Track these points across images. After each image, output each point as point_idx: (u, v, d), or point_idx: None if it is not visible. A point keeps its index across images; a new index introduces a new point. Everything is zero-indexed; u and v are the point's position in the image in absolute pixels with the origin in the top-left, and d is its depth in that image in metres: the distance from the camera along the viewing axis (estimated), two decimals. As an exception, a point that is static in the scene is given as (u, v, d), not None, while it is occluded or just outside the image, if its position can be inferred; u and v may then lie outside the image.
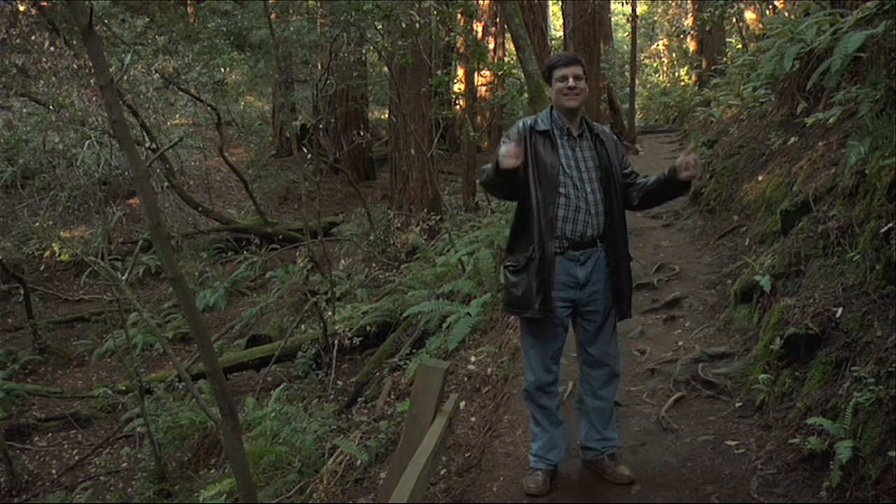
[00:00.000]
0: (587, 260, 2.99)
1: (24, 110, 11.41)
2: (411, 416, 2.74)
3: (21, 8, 8.95)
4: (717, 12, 11.09)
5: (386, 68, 12.81)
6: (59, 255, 11.09)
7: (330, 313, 7.97)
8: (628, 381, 4.15)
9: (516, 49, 7.44)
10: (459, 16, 11.19)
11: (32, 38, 9.00)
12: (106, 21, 11.53)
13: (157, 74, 11.92)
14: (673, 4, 22.48)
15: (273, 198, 15.82)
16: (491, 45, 15.50)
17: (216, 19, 13.34)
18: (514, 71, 10.96)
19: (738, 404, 3.68)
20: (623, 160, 3.10)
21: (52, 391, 9.00)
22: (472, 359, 5.30)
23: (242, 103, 18.73)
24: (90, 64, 6.07)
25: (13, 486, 7.16)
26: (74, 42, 9.74)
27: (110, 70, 3.76)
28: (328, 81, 9.55)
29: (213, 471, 6.16)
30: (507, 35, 12.92)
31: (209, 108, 13.88)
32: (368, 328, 7.67)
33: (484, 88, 14.11)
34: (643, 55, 22.92)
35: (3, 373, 8.95)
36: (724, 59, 15.86)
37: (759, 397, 3.57)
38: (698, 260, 6.15)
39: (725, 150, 7.61)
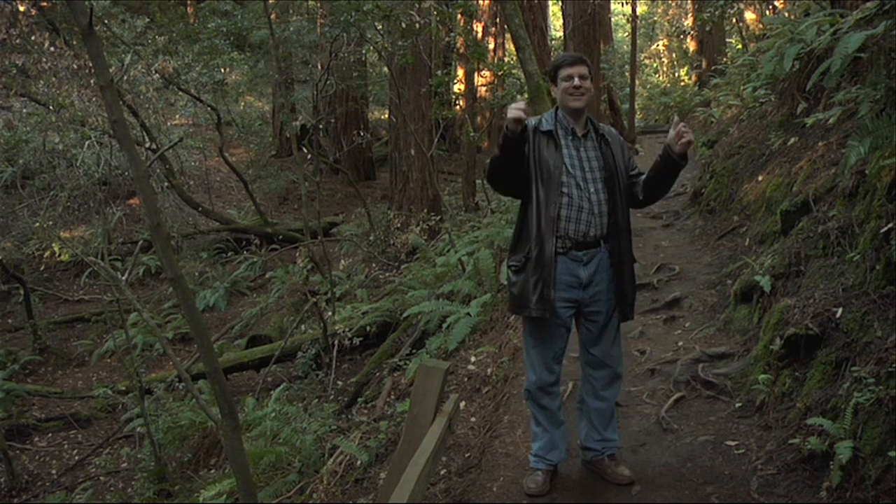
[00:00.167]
0: (590, 260, 2.99)
1: (24, 110, 11.41)
2: (411, 417, 2.74)
3: (21, 8, 8.96)
4: (717, 12, 11.09)
5: (386, 68, 12.81)
6: (59, 255, 11.10)
7: (330, 313, 7.97)
8: (628, 382, 4.14)
9: (516, 49, 7.44)
10: (459, 16, 11.19)
11: (32, 38, 9.00)
12: (106, 21, 11.53)
13: (157, 74, 11.92)
14: (673, 4, 22.47)
15: (273, 198, 15.83)
16: (491, 45, 15.50)
17: (216, 19, 13.34)
18: (514, 71, 10.95)
19: (738, 404, 3.68)
20: (629, 162, 3.10)
21: (52, 391, 9.00)
22: (472, 359, 5.30)
23: (242, 103, 18.73)
24: (90, 64, 6.07)
25: (13, 486, 7.16)
26: (74, 42, 9.74)
27: (110, 70, 3.76)
28: (328, 81, 9.55)
29: (213, 471, 6.17)
30: (507, 35, 12.91)
31: (209, 109, 13.88)
32: (368, 328, 7.67)
33: (484, 88, 14.11)
34: (643, 55, 22.92)
35: (3, 373, 8.95)
36: (724, 59, 15.86)
37: (759, 397, 3.57)
38: (698, 260, 6.15)
39: (725, 150, 7.61)
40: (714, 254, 6.13)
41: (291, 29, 11.77)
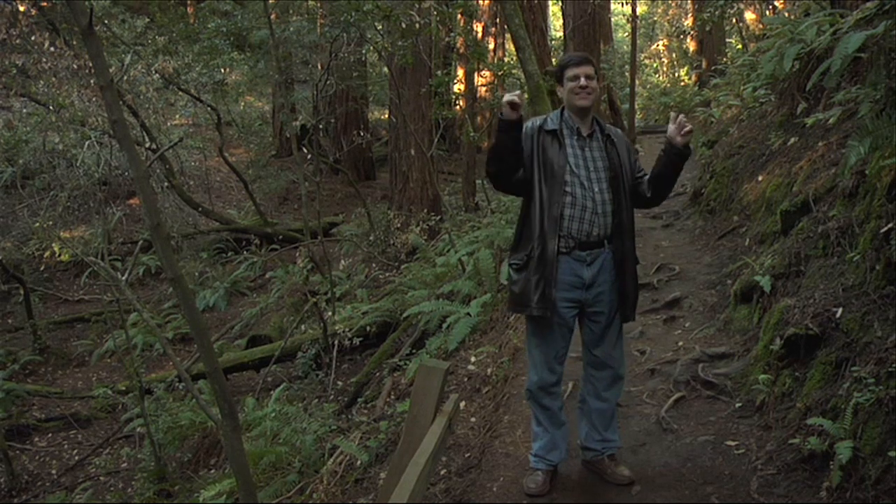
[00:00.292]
0: (594, 261, 2.99)
1: (24, 110, 11.42)
2: (411, 417, 2.73)
3: (21, 8, 8.96)
4: (717, 12, 11.08)
5: (386, 68, 12.82)
6: (59, 255, 11.10)
7: (330, 313, 7.97)
8: (628, 382, 4.14)
9: (516, 49, 7.44)
10: (459, 16, 11.19)
11: (32, 38, 9.01)
12: (106, 21, 11.54)
13: (157, 75, 11.92)
14: (673, 4, 22.47)
15: (273, 198, 15.82)
16: (491, 46, 15.50)
17: (216, 20, 13.35)
18: (514, 71, 10.95)
19: (738, 404, 3.68)
20: (635, 164, 3.10)
21: (52, 391, 9.00)
22: (472, 359, 5.30)
23: (242, 103, 18.73)
24: (90, 64, 6.07)
25: (13, 486, 7.16)
26: (74, 42, 9.74)
27: (110, 70, 3.76)
28: (328, 82, 9.55)
29: (213, 471, 6.17)
30: (507, 35, 12.91)
31: (209, 109, 13.88)
32: (368, 328, 7.67)
33: (484, 89, 14.11)
34: (643, 55, 22.91)
35: (3, 373, 8.95)
36: (724, 59, 15.85)
37: (759, 397, 3.57)
38: (698, 260, 6.15)
39: (725, 150, 7.61)
40: (714, 254, 6.13)
41: (291, 29, 11.77)
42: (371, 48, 10.17)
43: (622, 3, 14.98)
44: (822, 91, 5.58)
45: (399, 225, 10.86)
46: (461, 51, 13.02)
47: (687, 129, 2.92)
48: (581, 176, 2.95)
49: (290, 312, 9.75)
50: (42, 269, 11.61)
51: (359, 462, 4.50)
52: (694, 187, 7.92)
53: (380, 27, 9.12)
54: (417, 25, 8.35)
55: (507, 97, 2.81)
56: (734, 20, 15.07)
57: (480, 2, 14.25)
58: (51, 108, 9.94)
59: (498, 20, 14.97)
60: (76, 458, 7.71)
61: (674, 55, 22.46)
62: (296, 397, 6.87)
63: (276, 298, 10.59)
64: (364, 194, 12.74)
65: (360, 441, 4.74)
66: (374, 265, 10.77)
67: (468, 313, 6.07)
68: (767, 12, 12.33)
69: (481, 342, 5.68)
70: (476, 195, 12.11)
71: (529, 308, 2.97)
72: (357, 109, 15.89)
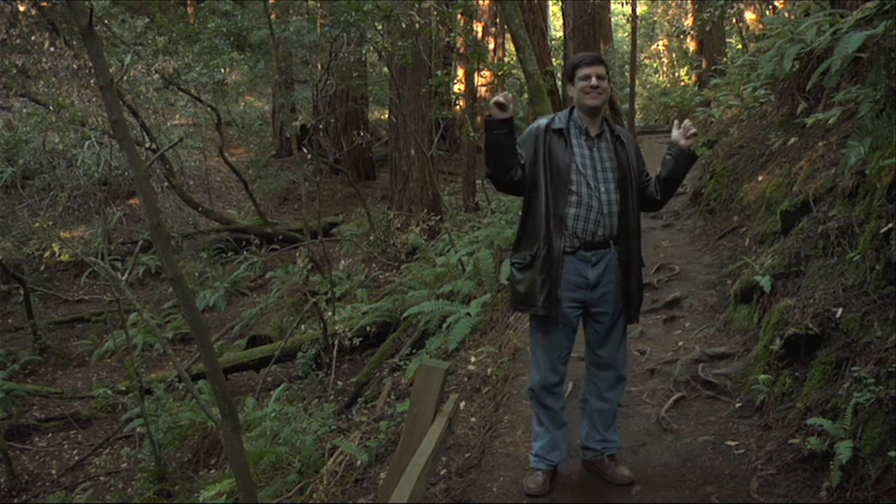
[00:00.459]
0: (599, 261, 2.98)
1: (24, 110, 11.41)
2: (411, 417, 2.73)
3: (21, 8, 8.96)
4: (717, 12, 11.08)
5: (386, 68, 12.82)
6: (59, 255, 11.09)
7: (330, 314, 7.97)
8: (628, 382, 4.13)
9: (516, 49, 7.44)
10: (459, 16, 11.19)
11: (32, 38, 9.01)
12: (106, 21, 11.54)
13: (157, 75, 11.92)
14: (673, 4, 22.47)
15: (273, 198, 15.82)
16: (491, 46, 15.51)
17: (216, 20, 13.35)
18: (514, 71, 10.95)
19: (738, 405, 3.68)
20: (643, 166, 3.11)
21: (52, 391, 9.00)
22: (472, 359, 5.30)
23: (242, 104, 18.72)
24: (90, 64, 6.07)
25: (13, 486, 7.16)
26: (74, 42, 9.75)
27: (110, 70, 3.76)
28: (328, 82, 9.55)
29: (213, 471, 6.17)
30: (507, 35, 12.91)
31: (209, 109, 13.88)
32: (368, 328, 7.67)
33: (484, 89, 14.10)
34: (643, 55, 22.91)
35: (3, 373, 8.95)
36: (724, 59, 15.85)
37: (759, 397, 3.57)
38: (698, 260, 6.14)
39: (725, 150, 7.61)
40: (714, 254, 6.13)
41: (291, 29, 11.77)
42: (371, 48, 10.17)
43: (622, 3, 14.97)
44: (822, 91, 5.58)
45: (399, 225, 10.86)
46: (461, 51, 13.02)
47: (691, 132, 2.98)
48: (587, 175, 2.94)
49: (290, 312, 9.75)
50: (42, 269, 11.61)
51: (359, 462, 4.50)
52: (694, 187, 7.92)
53: (380, 27, 9.12)
54: (417, 25, 8.35)
55: (494, 98, 2.87)
56: (734, 20, 15.07)
57: (480, 2, 14.25)
58: (51, 108, 9.94)
59: (498, 20, 14.97)
60: (76, 458, 7.71)
61: (674, 55, 22.46)
62: (296, 397, 6.87)
63: (276, 298, 10.59)
64: (364, 194, 12.74)
65: (360, 441, 4.74)
66: (374, 265, 10.77)
67: (468, 313, 6.08)
68: (767, 12, 12.33)
69: (481, 342, 5.68)
70: (476, 195, 12.11)
71: (535, 308, 2.97)
72: (357, 109, 15.89)
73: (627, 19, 16.18)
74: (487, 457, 3.66)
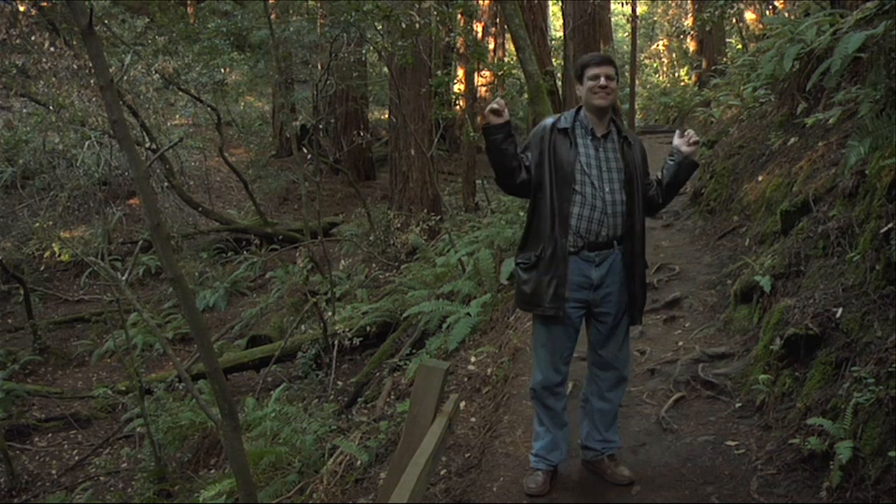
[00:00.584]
0: (602, 262, 2.98)
1: (24, 110, 11.42)
2: (411, 417, 2.74)
3: (21, 8, 8.97)
4: (717, 12, 11.08)
5: (386, 68, 12.82)
6: (59, 255, 11.10)
7: (330, 313, 7.97)
8: (628, 382, 4.14)
9: (516, 49, 7.44)
10: (459, 16, 11.19)
11: (32, 38, 9.01)
12: (106, 21, 11.54)
13: (157, 75, 11.93)
14: (673, 4, 22.47)
15: (273, 198, 15.83)
16: (491, 46, 15.51)
17: (216, 20, 13.35)
18: (514, 71, 10.95)
19: (738, 405, 3.68)
20: (646, 170, 3.12)
21: (52, 391, 9.00)
22: (472, 359, 5.30)
23: (242, 103, 18.73)
24: (90, 64, 6.07)
25: (13, 486, 7.16)
26: (74, 42, 9.75)
27: (110, 70, 3.76)
28: (328, 82, 9.55)
29: (213, 471, 6.17)
30: (507, 35, 12.91)
31: (209, 109, 13.88)
32: (368, 328, 7.67)
33: (484, 89, 14.10)
34: (643, 55, 22.91)
35: (3, 373, 8.95)
36: (724, 59, 15.84)
37: (759, 397, 3.57)
38: (698, 260, 6.14)
39: (725, 150, 7.61)
40: (714, 254, 6.12)
41: (291, 29, 11.77)
42: (371, 48, 10.17)
43: (622, 3, 14.99)
44: (822, 91, 5.58)
45: (399, 225, 10.87)
46: (461, 51, 13.02)
47: (694, 139, 3.01)
48: (592, 175, 2.94)
49: (290, 312, 9.75)
50: (42, 269, 11.61)
51: (359, 462, 4.50)
52: (694, 187, 7.92)
53: (380, 27, 9.12)
54: (417, 25, 8.35)
55: (489, 106, 2.89)
56: (734, 20, 15.07)
57: (480, 2, 14.25)
58: (51, 108, 9.94)
59: (498, 20, 14.97)
60: (76, 458, 7.71)
61: (674, 55, 22.45)
62: (296, 397, 6.87)
63: (276, 298, 10.59)
64: (364, 194, 12.75)
65: (360, 441, 4.74)
66: (374, 265, 10.78)
67: (468, 313, 6.08)
68: (767, 12, 12.33)
69: (481, 342, 5.68)
70: (476, 195, 12.11)
71: (542, 307, 2.97)
72: (357, 109, 15.89)
73: (627, 19, 16.20)
74: (487, 457, 3.66)
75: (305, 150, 9.59)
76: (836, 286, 3.55)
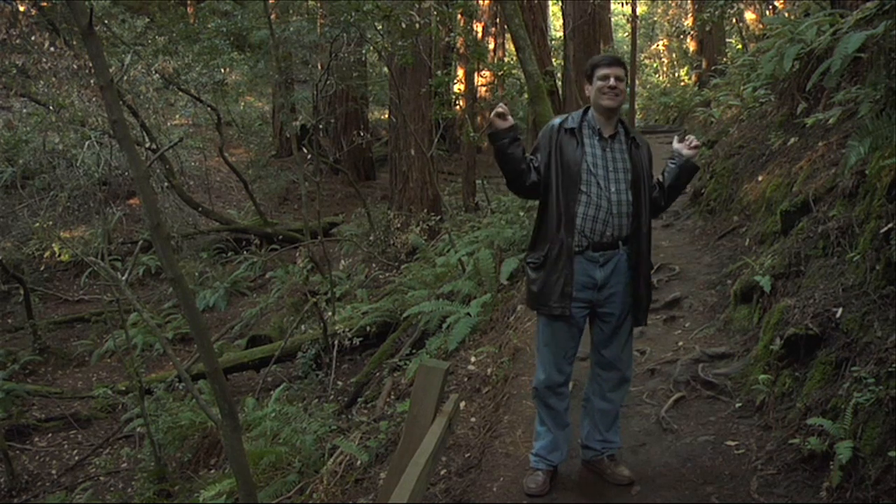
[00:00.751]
0: (607, 262, 2.98)
1: (24, 110, 11.42)
2: (411, 417, 2.74)
3: (21, 8, 8.96)
4: (717, 12, 11.08)
5: (386, 68, 12.82)
6: (59, 255, 11.09)
7: (330, 314, 7.97)
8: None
9: (516, 49, 7.44)
10: (459, 16, 11.20)
11: (32, 38, 9.01)
12: (106, 21, 11.54)
13: (157, 75, 11.93)
14: (673, 4, 22.48)
15: (273, 198, 15.83)
16: (491, 46, 15.52)
17: (216, 20, 13.35)
18: (514, 71, 10.95)
19: (738, 405, 3.68)
20: (652, 171, 3.13)
21: (52, 391, 9.00)
22: (472, 359, 5.30)
23: (242, 104, 18.74)
24: (90, 64, 6.07)
25: (13, 486, 7.16)
26: (74, 42, 9.75)
27: (110, 70, 3.76)
28: (328, 82, 9.55)
29: (213, 471, 6.17)
30: (507, 35, 12.91)
31: (209, 109, 13.89)
32: (368, 328, 7.67)
33: (484, 89, 14.11)
34: (643, 55, 22.92)
35: (3, 373, 8.95)
36: (724, 59, 15.85)
37: (759, 398, 3.57)
38: (698, 260, 6.14)
39: (725, 150, 7.61)
40: (714, 254, 6.12)
41: (291, 29, 11.76)
42: (371, 48, 10.17)
43: (622, 3, 14.99)
44: (822, 91, 5.58)
45: (399, 225, 10.87)
46: (461, 51, 13.02)
47: (694, 143, 3.06)
48: (598, 175, 2.94)
49: (290, 312, 9.76)
50: (42, 269, 11.61)
51: (359, 462, 4.50)
52: (694, 187, 7.92)
53: (380, 27, 9.12)
54: (417, 25, 8.35)
55: (494, 111, 2.92)
56: (734, 20, 15.07)
57: (480, 2, 14.26)
58: (51, 108, 9.94)
59: (498, 20, 14.98)
60: (76, 458, 7.71)
61: (674, 55, 22.47)
62: (296, 397, 6.88)
63: (276, 298, 10.59)
64: (364, 194, 12.75)
65: (360, 441, 4.74)
66: (374, 265, 10.78)
67: (468, 313, 6.08)
68: (767, 12, 12.33)
69: (481, 342, 5.68)
70: (476, 195, 12.12)
71: (548, 307, 2.98)
72: (357, 109, 15.89)
73: (627, 19, 16.20)
74: (487, 457, 3.66)
75: (305, 150, 9.59)
76: (836, 286, 3.55)
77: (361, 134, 11.51)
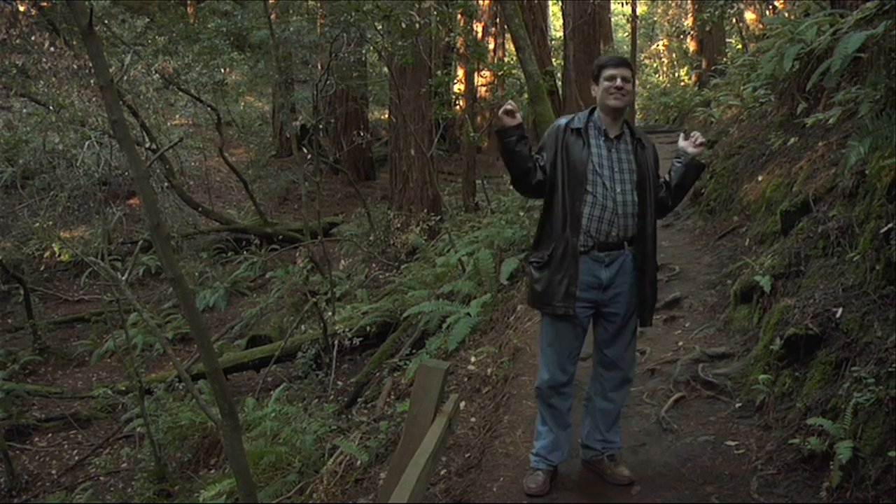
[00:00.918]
0: (612, 262, 2.98)
1: (24, 110, 11.42)
2: (411, 417, 2.74)
3: (21, 8, 8.96)
4: (717, 12, 11.08)
5: (386, 68, 12.82)
6: (59, 255, 11.09)
7: (330, 314, 7.97)
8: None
9: (516, 49, 7.44)
10: (459, 16, 11.19)
11: (32, 38, 9.01)
12: (106, 21, 11.54)
13: (157, 75, 11.93)
14: (673, 4, 22.47)
15: (273, 198, 15.83)
16: (491, 46, 15.52)
17: (216, 19, 13.36)
18: (514, 71, 10.95)
19: (738, 405, 3.68)
20: (658, 172, 3.13)
21: (52, 391, 9.00)
22: (472, 359, 5.30)
23: (242, 104, 18.74)
24: (90, 64, 6.07)
25: (13, 486, 7.16)
26: (74, 42, 9.75)
27: (110, 70, 3.76)
28: (328, 82, 9.55)
29: (213, 471, 6.17)
30: (507, 35, 12.92)
31: (209, 109, 13.89)
32: (368, 328, 7.67)
33: (484, 89, 14.11)
34: (643, 55, 22.92)
35: (3, 373, 8.95)
36: (724, 59, 15.84)
37: (759, 397, 3.57)
38: (698, 260, 6.14)
39: (725, 150, 7.61)
40: (714, 254, 6.12)
41: (291, 29, 11.76)
42: (371, 48, 10.17)
43: (622, 3, 15.00)
44: (822, 91, 5.58)
45: (399, 225, 10.87)
46: (461, 51, 13.03)
47: (699, 141, 3.09)
48: (604, 176, 2.95)
49: (290, 312, 9.76)
50: (42, 269, 11.61)
51: (359, 462, 4.50)
52: (694, 187, 7.92)
53: (380, 27, 9.12)
54: (417, 25, 8.35)
55: (502, 108, 2.92)
56: (734, 20, 15.07)
57: (480, 2, 14.26)
58: (51, 108, 9.94)
59: (498, 20, 14.98)
60: (76, 458, 7.71)
61: (674, 55, 22.46)
62: (296, 397, 6.88)
63: (276, 298, 10.59)
64: (364, 194, 12.75)
65: (360, 441, 4.74)
66: (374, 265, 10.78)
67: (468, 313, 6.08)
68: (767, 12, 12.33)
69: (481, 342, 5.68)
70: (476, 195, 12.11)
71: (552, 306, 2.98)
72: (357, 109, 15.89)
73: (627, 19, 16.21)
74: (487, 457, 3.66)
75: (305, 150, 9.59)
76: (836, 286, 3.55)
77: (361, 134, 11.51)
